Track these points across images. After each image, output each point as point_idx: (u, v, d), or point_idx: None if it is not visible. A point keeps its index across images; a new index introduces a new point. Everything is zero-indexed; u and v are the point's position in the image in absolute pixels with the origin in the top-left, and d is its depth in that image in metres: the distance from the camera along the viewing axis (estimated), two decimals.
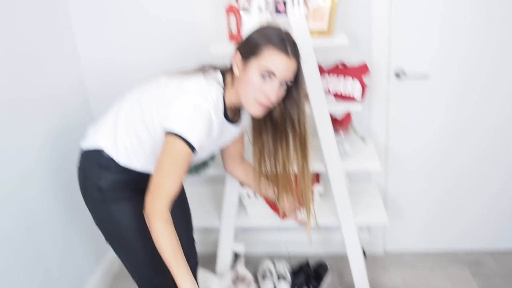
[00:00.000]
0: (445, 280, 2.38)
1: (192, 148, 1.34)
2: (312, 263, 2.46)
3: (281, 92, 1.43)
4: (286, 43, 1.36)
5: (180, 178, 1.37)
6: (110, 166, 1.50)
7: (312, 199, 1.84)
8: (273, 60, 1.35)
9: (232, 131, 1.59)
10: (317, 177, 2.15)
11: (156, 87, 1.48)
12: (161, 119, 1.41)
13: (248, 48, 1.39)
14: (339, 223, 2.07)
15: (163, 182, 1.34)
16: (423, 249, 2.61)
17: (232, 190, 2.06)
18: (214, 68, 1.52)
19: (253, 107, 1.42)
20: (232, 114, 1.54)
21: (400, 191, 2.48)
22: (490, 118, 2.27)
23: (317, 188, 2.07)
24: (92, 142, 1.54)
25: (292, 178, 1.71)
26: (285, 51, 1.35)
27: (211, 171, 2.08)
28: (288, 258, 2.58)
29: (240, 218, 2.18)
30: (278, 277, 2.34)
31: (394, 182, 2.46)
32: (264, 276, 2.36)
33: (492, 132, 2.30)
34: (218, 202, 2.30)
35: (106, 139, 1.51)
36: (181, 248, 1.37)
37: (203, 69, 1.49)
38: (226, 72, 1.50)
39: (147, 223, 1.36)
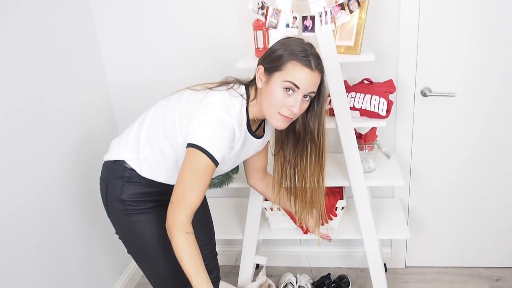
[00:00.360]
0: None
1: (214, 160, 1.34)
2: (333, 276, 2.47)
3: (304, 104, 1.43)
4: (309, 56, 1.36)
5: (202, 191, 1.37)
6: (132, 177, 1.51)
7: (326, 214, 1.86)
8: (297, 74, 1.35)
9: (255, 144, 1.58)
10: (340, 193, 2.16)
11: (180, 100, 1.48)
12: (183, 132, 1.42)
13: (272, 61, 1.39)
14: (361, 238, 2.07)
15: (184, 194, 1.35)
16: (444, 264, 2.60)
17: (255, 203, 2.08)
18: (238, 81, 1.52)
19: (276, 120, 1.43)
20: (255, 127, 1.55)
21: (423, 208, 2.48)
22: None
23: (340, 203, 2.08)
24: (114, 154, 1.55)
25: (310, 192, 1.72)
26: (309, 65, 1.36)
27: (234, 183, 2.10)
28: (309, 271, 2.58)
29: (262, 231, 2.20)
30: None
31: (417, 198, 2.45)
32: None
33: None
34: (241, 215, 2.32)
35: (128, 152, 1.52)
36: (202, 260, 1.38)
37: (227, 83, 1.50)
38: (250, 85, 1.50)
39: (169, 235, 1.36)
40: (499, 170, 2.33)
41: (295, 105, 1.38)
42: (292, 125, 1.55)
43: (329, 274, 2.47)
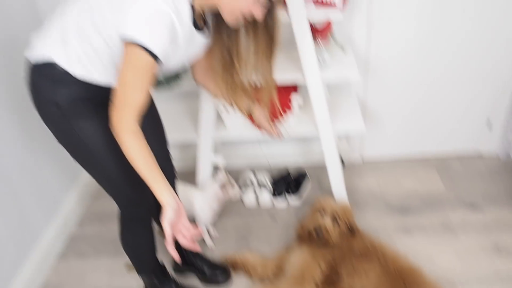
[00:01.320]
0: (415, 181, 2.53)
1: (155, 57, 1.24)
2: (292, 172, 2.54)
3: None
4: None
5: (146, 90, 1.29)
6: (65, 79, 1.34)
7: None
8: None
9: (202, 40, 1.47)
10: (295, 88, 2.14)
11: None
12: (116, 25, 1.26)
13: None
14: (317, 133, 2.10)
15: (127, 95, 1.26)
16: (397, 155, 2.72)
17: (208, 102, 2.03)
18: None
19: (236, 19, 1.37)
20: (201, 22, 1.43)
21: (378, 101, 2.52)
22: (466, 27, 2.27)
23: (296, 99, 2.06)
24: (39, 52, 1.35)
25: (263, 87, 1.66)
26: None
27: (185, 85, 2.03)
28: (268, 169, 2.64)
29: (218, 132, 2.17)
30: (259, 186, 2.41)
31: (373, 92, 2.48)
32: (245, 186, 2.41)
33: (465, 41, 2.31)
34: (195, 117, 2.28)
35: (55, 48, 1.33)
36: (155, 160, 1.33)
37: None
38: None
39: (116, 138, 1.30)
40: (449, 59, 2.37)
41: (260, 13, 1.36)
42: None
43: (287, 170, 2.53)
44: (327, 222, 1.85)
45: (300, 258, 1.83)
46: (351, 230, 1.90)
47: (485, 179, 2.50)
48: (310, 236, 1.88)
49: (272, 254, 2.06)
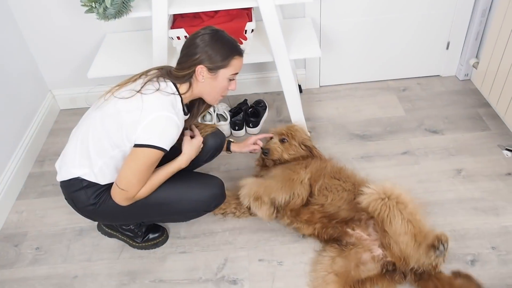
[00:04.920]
0: (374, 106, 2.54)
1: (163, 150, 1.54)
2: (250, 101, 2.52)
3: None
4: (238, 47, 1.65)
5: (149, 175, 1.59)
6: (92, 185, 1.63)
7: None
8: (237, 65, 1.65)
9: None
10: (249, 15, 2.06)
11: (119, 113, 1.55)
12: (132, 139, 1.53)
13: (217, 62, 1.60)
14: (273, 60, 2.06)
15: (140, 180, 1.55)
16: (355, 80, 2.72)
17: (160, 31, 1.95)
18: (159, 74, 1.63)
19: (217, 101, 1.74)
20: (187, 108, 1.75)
21: (334, 26, 2.46)
22: None
23: (250, 25, 2.00)
24: (68, 174, 1.64)
25: None
26: (242, 53, 1.66)
27: (134, 13, 1.93)
28: (226, 100, 2.61)
29: (171, 62, 2.10)
30: (218, 118, 2.39)
31: (329, 16, 2.42)
32: (203, 118, 2.39)
33: None
34: (147, 49, 2.19)
35: (82, 169, 1.61)
36: (153, 176, 1.61)
37: (149, 79, 1.60)
38: (181, 80, 1.63)
39: (128, 204, 1.61)
40: None
41: (235, 85, 1.72)
42: None
43: (245, 100, 2.51)
44: (274, 142, 2.00)
45: (280, 171, 1.91)
46: (307, 147, 1.99)
47: (444, 101, 2.53)
48: (264, 160, 1.97)
49: (232, 186, 2.09)
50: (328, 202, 1.80)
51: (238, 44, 1.66)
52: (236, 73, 1.68)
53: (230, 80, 1.68)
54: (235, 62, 1.63)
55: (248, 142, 2.02)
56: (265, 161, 2.05)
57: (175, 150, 1.66)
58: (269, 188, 1.81)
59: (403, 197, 1.60)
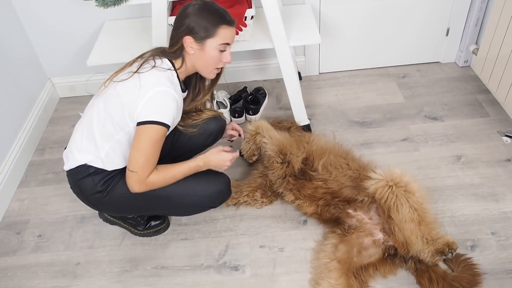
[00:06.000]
0: (374, 92, 2.54)
1: (166, 126, 1.53)
2: (250, 89, 2.51)
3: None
4: (228, 16, 1.61)
5: (159, 152, 1.57)
6: (99, 171, 1.63)
7: None
8: (227, 34, 1.61)
9: (183, 95, 1.78)
10: (248, 2, 2.05)
11: (118, 95, 1.57)
12: (133, 117, 1.53)
13: (202, 32, 1.57)
14: (273, 47, 2.05)
15: (149, 160, 1.53)
16: (354, 67, 2.71)
17: (159, 19, 1.94)
18: (155, 54, 1.64)
19: (213, 74, 1.70)
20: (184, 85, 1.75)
21: (333, 12, 2.45)
22: None
23: (249, 12, 1.99)
24: (74, 162, 1.64)
25: None
26: (232, 23, 1.61)
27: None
28: (226, 87, 2.61)
29: None
30: (218, 106, 2.39)
31: (328, 2, 2.40)
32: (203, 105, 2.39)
33: None
34: (146, 36, 2.18)
35: (88, 155, 1.62)
36: (172, 165, 1.62)
37: (145, 60, 1.61)
38: (174, 55, 1.64)
39: (142, 191, 1.58)
40: None
41: (229, 57, 1.67)
42: None
43: (245, 87, 2.51)
44: (243, 145, 2.01)
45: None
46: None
47: (444, 87, 2.53)
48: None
49: (234, 173, 2.10)
50: (332, 178, 1.82)
51: (228, 13, 1.63)
52: (227, 44, 1.64)
53: (222, 51, 1.64)
54: (222, 32, 1.59)
55: (228, 127, 2.02)
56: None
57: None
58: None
59: (412, 185, 1.61)
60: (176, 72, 1.64)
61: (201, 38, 1.59)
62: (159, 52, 1.66)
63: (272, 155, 1.87)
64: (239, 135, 2.04)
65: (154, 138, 1.52)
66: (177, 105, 1.58)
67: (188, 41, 1.60)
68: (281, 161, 1.85)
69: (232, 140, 2.05)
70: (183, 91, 1.72)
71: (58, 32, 2.44)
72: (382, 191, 1.61)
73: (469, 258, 1.67)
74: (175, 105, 1.56)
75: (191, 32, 1.59)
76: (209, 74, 1.70)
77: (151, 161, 1.55)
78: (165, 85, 1.54)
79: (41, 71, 2.57)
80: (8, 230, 1.99)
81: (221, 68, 1.71)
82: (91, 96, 2.51)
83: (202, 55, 1.62)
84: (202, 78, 1.79)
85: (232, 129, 2.04)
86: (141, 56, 1.66)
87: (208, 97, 1.88)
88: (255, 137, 1.94)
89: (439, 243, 1.58)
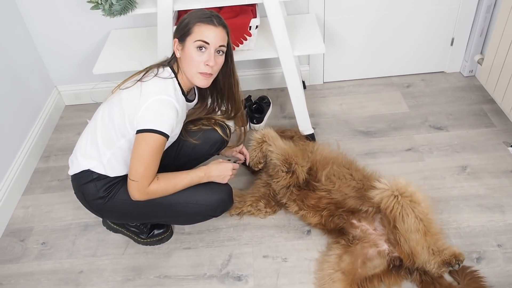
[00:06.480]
0: (378, 102, 2.54)
1: (165, 135, 1.52)
2: (254, 97, 2.52)
3: (219, 59, 1.62)
4: (211, 17, 1.57)
5: (159, 161, 1.56)
6: (102, 177, 1.64)
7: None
8: (204, 32, 1.56)
9: (189, 105, 1.78)
10: (253, 11, 2.06)
11: (120, 102, 1.59)
12: (133, 124, 1.54)
13: (181, 30, 1.58)
14: (277, 56, 2.06)
15: (148, 169, 1.53)
16: (359, 77, 2.71)
17: (165, 29, 1.95)
18: (158, 65, 1.65)
19: (198, 79, 1.62)
20: (189, 94, 1.74)
21: (338, 22, 2.46)
22: None
23: (254, 22, 1.99)
24: (78, 167, 1.65)
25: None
26: (212, 22, 1.56)
27: (139, 9, 1.94)
28: None
29: None
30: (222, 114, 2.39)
31: (332, 12, 2.41)
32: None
33: None
34: (151, 45, 2.19)
35: (91, 161, 1.63)
36: (173, 173, 1.63)
37: (150, 69, 1.63)
38: (172, 62, 1.66)
39: (143, 199, 1.58)
40: None
41: (210, 59, 1.57)
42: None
43: (249, 96, 2.52)
44: (250, 152, 2.00)
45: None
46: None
47: (448, 97, 2.52)
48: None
49: (237, 183, 2.10)
50: (335, 188, 1.82)
51: (211, 13, 1.59)
52: (205, 42, 1.55)
53: (200, 49, 1.56)
54: (197, 28, 1.55)
55: (235, 150, 2.02)
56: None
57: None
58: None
59: (417, 195, 1.60)
60: (177, 79, 1.64)
61: (182, 38, 1.59)
62: (164, 61, 1.67)
63: (278, 164, 1.86)
64: (245, 160, 2.03)
65: (152, 147, 1.52)
66: (177, 114, 1.58)
67: (175, 44, 1.62)
68: (286, 170, 1.85)
69: (236, 162, 2.02)
70: (188, 100, 1.72)
71: (65, 41, 2.46)
72: (388, 201, 1.60)
73: (476, 270, 1.65)
74: (174, 114, 1.55)
75: (175, 33, 1.61)
76: (193, 78, 1.62)
77: (150, 170, 1.54)
78: (165, 94, 1.54)
79: (47, 78, 2.59)
80: (12, 237, 1.99)
81: (210, 74, 1.62)
82: (96, 104, 2.54)
83: (184, 56, 1.60)
84: (215, 86, 1.77)
85: (239, 153, 2.03)
86: (149, 68, 1.66)
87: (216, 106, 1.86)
88: (261, 145, 1.94)
89: (445, 254, 1.56)
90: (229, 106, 1.85)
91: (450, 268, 1.59)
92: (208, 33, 1.55)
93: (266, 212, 1.95)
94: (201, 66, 1.58)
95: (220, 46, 1.59)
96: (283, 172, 1.85)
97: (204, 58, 1.57)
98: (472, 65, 2.61)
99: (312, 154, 1.95)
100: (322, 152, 1.97)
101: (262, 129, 1.99)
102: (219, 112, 1.91)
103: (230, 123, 2.29)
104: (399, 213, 1.58)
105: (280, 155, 1.86)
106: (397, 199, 1.59)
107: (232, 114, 1.88)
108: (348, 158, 2.00)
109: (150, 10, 1.94)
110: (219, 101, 1.85)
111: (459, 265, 1.58)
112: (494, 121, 2.33)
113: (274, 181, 1.91)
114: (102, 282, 1.78)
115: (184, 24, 1.58)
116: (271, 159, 1.90)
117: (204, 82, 1.62)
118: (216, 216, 1.76)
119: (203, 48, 1.57)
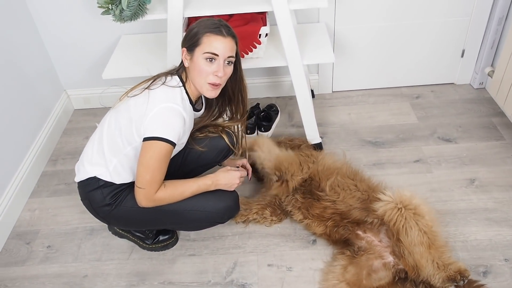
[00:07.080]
0: (387, 112, 2.53)
1: (171, 143, 1.52)
2: (262, 105, 2.52)
3: (228, 69, 1.62)
4: (220, 27, 1.56)
5: (166, 169, 1.56)
6: (108, 184, 1.65)
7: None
8: (213, 43, 1.55)
9: (197, 114, 1.79)
10: (263, 19, 2.06)
11: (128, 110, 1.59)
12: (140, 132, 1.55)
13: (190, 40, 1.58)
14: (287, 64, 2.06)
15: (154, 177, 1.53)
16: (368, 87, 2.71)
17: (174, 35, 1.96)
18: (167, 73, 1.65)
19: (207, 90, 1.62)
20: (197, 103, 1.75)
21: (348, 32, 2.46)
22: None
23: (264, 30, 2.00)
24: (85, 174, 1.66)
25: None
26: (221, 33, 1.55)
27: (150, 15, 1.95)
28: None
29: None
30: None
31: (343, 22, 2.41)
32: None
33: None
34: (161, 52, 2.21)
35: (97, 168, 1.64)
36: (180, 181, 1.63)
37: (158, 77, 1.63)
38: (180, 71, 1.66)
39: (150, 206, 1.59)
40: None
41: (219, 70, 1.57)
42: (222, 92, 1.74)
43: (258, 104, 2.52)
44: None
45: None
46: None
47: (458, 109, 2.51)
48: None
49: (244, 190, 2.10)
50: (340, 199, 1.81)
51: (223, 26, 1.57)
52: (214, 54, 1.55)
53: (209, 61, 1.56)
54: (206, 39, 1.54)
55: (237, 163, 1.99)
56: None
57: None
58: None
59: (421, 208, 1.58)
60: (185, 88, 1.64)
61: (190, 48, 1.58)
62: (173, 70, 1.68)
63: (268, 172, 1.86)
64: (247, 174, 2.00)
65: (159, 155, 1.51)
66: (184, 123, 1.58)
67: (184, 53, 1.61)
68: (276, 178, 1.84)
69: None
70: (196, 109, 1.72)
71: (75, 45, 2.48)
72: (391, 214, 1.58)
73: (483, 285, 1.63)
74: (181, 123, 1.55)
75: (184, 43, 1.61)
76: (202, 88, 1.62)
77: (157, 177, 1.54)
78: (172, 102, 1.54)
79: (57, 82, 2.61)
80: (18, 240, 2.00)
81: (218, 84, 1.62)
82: (105, 108, 2.55)
83: (192, 66, 1.60)
84: (223, 95, 1.77)
85: (242, 166, 1.98)
86: (158, 76, 1.67)
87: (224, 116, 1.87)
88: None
89: (450, 269, 1.54)
90: (236, 110, 1.85)
91: (455, 284, 1.57)
92: (217, 44, 1.55)
93: (271, 220, 1.95)
94: (210, 77, 1.59)
95: (229, 57, 1.59)
96: (274, 181, 1.85)
97: (213, 69, 1.58)
98: (483, 77, 2.59)
99: (314, 164, 1.95)
100: (325, 162, 1.96)
101: (254, 137, 1.99)
102: (225, 117, 1.91)
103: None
104: (403, 226, 1.56)
105: (270, 161, 1.86)
106: (401, 211, 1.57)
107: (238, 117, 1.87)
108: (353, 168, 1.99)
109: (161, 16, 1.95)
110: (226, 106, 1.84)
111: (464, 281, 1.56)
112: (503, 134, 2.31)
113: (263, 190, 1.91)
114: (107, 287, 1.78)
115: (193, 34, 1.58)
116: (262, 167, 1.90)
117: (212, 93, 1.63)
118: (223, 222, 1.76)
119: (213, 59, 1.57)
